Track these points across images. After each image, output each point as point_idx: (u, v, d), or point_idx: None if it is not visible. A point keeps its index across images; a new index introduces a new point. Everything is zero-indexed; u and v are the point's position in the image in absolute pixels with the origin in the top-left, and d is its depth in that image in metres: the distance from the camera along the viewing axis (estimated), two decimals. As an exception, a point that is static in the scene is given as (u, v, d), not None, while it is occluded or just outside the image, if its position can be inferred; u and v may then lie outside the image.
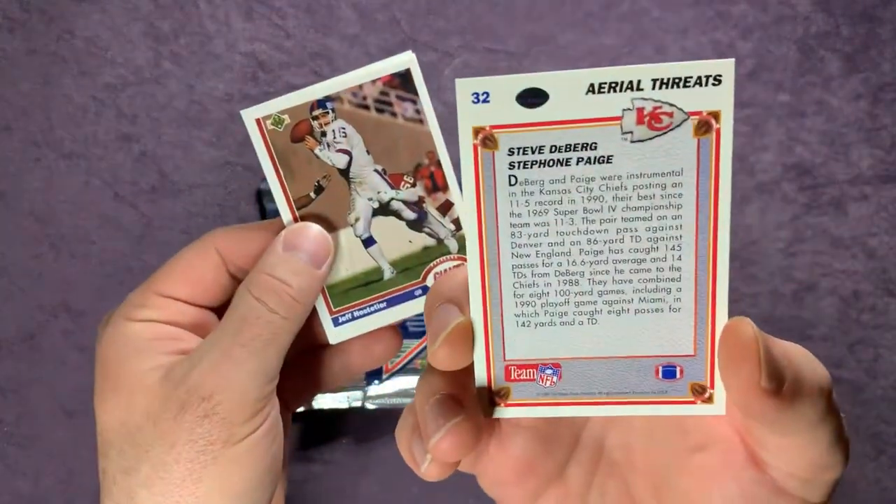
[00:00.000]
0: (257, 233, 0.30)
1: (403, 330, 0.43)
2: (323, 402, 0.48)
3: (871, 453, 0.54)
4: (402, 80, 0.28)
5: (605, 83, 0.21)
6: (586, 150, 0.21)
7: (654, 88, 0.21)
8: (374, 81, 0.28)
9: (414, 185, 0.29)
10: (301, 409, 0.47)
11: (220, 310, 0.31)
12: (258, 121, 0.28)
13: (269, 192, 0.50)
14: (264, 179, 0.50)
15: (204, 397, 0.27)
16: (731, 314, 0.22)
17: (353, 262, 0.30)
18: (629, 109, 0.21)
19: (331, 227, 0.29)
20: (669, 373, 0.22)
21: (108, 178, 0.50)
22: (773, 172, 0.53)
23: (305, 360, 0.33)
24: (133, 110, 0.50)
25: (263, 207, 0.50)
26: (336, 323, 0.30)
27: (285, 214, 0.29)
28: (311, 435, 0.51)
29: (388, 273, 0.30)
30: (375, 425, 0.50)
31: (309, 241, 0.28)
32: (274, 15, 0.51)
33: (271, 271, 0.28)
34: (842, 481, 0.22)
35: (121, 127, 0.50)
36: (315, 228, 0.29)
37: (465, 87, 0.21)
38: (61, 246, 0.50)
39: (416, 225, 0.30)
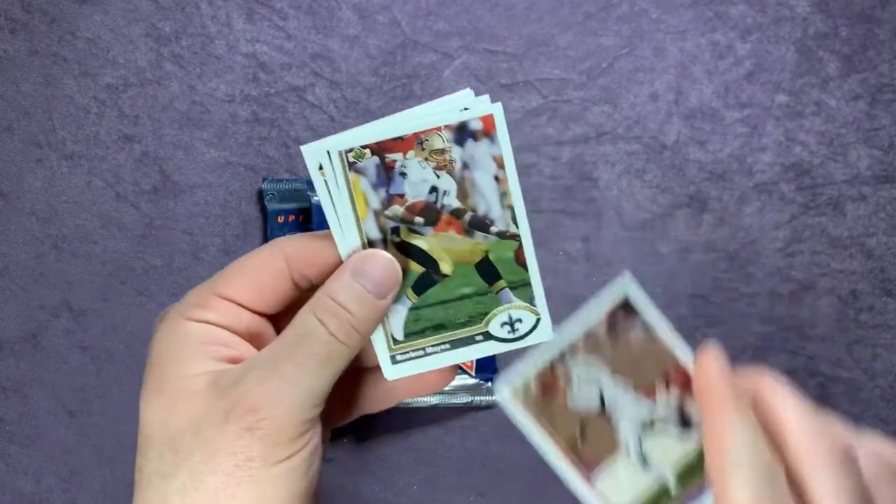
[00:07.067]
0: (327, 242, 0.29)
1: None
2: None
3: (870, 452, 0.54)
4: (625, 306, 0.29)
5: None
6: None
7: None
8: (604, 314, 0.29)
9: (668, 390, 0.29)
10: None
11: (275, 319, 0.31)
12: (513, 390, 0.28)
13: (269, 192, 0.50)
14: (265, 179, 0.50)
15: (250, 409, 0.26)
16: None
17: (636, 487, 0.29)
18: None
19: (607, 460, 0.29)
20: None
21: (110, 178, 0.50)
22: (772, 173, 0.53)
23: (354, 379, 0.32)
24: (134, 111, 0.50)
25: (265, 208, 0.50)
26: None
27: (557, 460, 0.29)
28: (311, 434, 0.51)
29: (674, 489, 0.30)
30: (376, 424, 0.50)
31: (377, 270, 0.28)
32: (275, 16, 0.51)
33: (335, 296, 0.28)
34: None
35: (122, 127, 0.50)
36: (384, 257, 0.28)
37: None
38: (63, 246, 0.50)
39: (686, 428, 0.30)
